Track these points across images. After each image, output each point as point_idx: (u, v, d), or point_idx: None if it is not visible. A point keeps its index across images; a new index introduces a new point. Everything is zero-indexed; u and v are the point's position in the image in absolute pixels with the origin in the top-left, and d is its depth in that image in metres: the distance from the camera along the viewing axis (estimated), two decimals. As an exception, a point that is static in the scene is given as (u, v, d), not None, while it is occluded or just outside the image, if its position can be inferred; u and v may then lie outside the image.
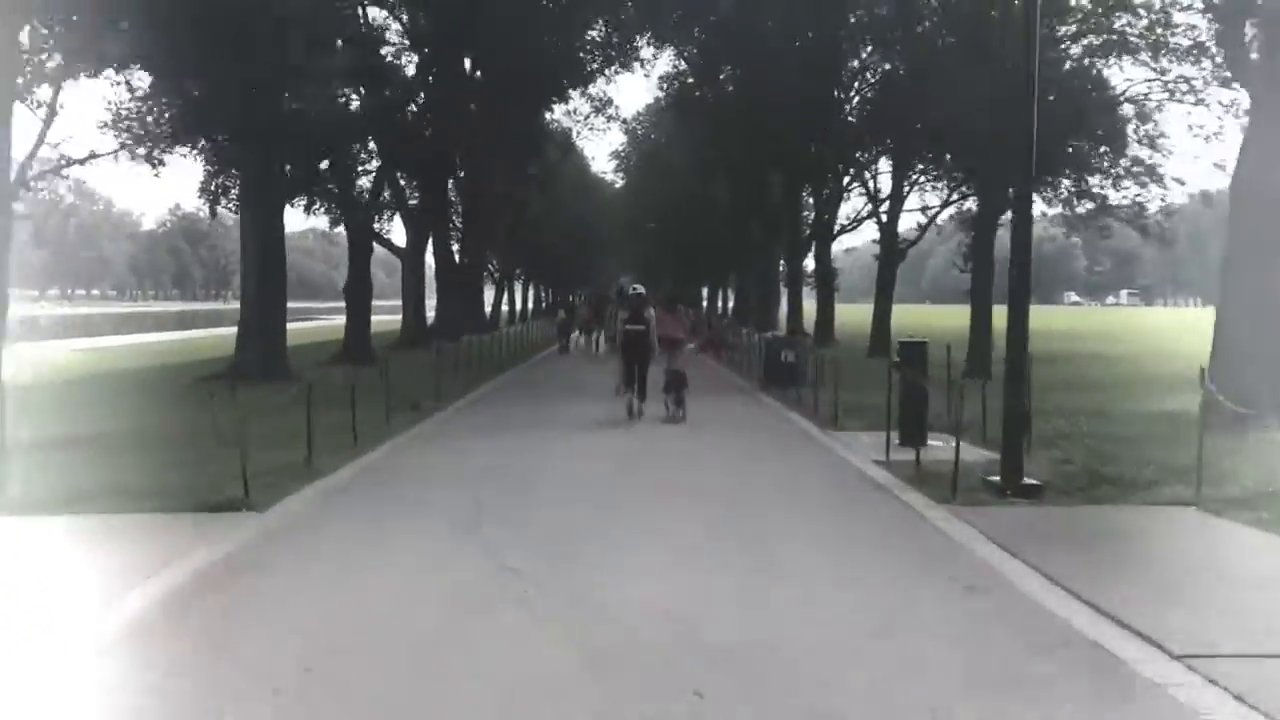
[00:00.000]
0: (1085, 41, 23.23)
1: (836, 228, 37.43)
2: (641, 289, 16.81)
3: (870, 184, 31.39)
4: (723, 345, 32.88)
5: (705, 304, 77.10)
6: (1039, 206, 27.97)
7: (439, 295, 41.38)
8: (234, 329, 23.82)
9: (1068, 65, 23.37)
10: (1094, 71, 23.43)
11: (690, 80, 52.70)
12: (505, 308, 66.79)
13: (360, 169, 31.13)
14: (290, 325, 23.92)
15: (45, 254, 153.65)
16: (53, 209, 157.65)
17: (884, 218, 29.64)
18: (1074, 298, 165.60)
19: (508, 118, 45.80)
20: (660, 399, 16.18)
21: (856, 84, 35.79)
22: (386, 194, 35.99)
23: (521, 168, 49.36)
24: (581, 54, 43.89)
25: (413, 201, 37.62)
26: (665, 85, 54.72)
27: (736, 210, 51.87)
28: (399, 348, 33.26)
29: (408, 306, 35.91)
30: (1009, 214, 23.76)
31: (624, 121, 59.12)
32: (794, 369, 19.59)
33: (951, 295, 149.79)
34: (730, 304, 63.39)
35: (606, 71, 45.02)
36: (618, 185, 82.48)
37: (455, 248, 43.76)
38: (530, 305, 75.80)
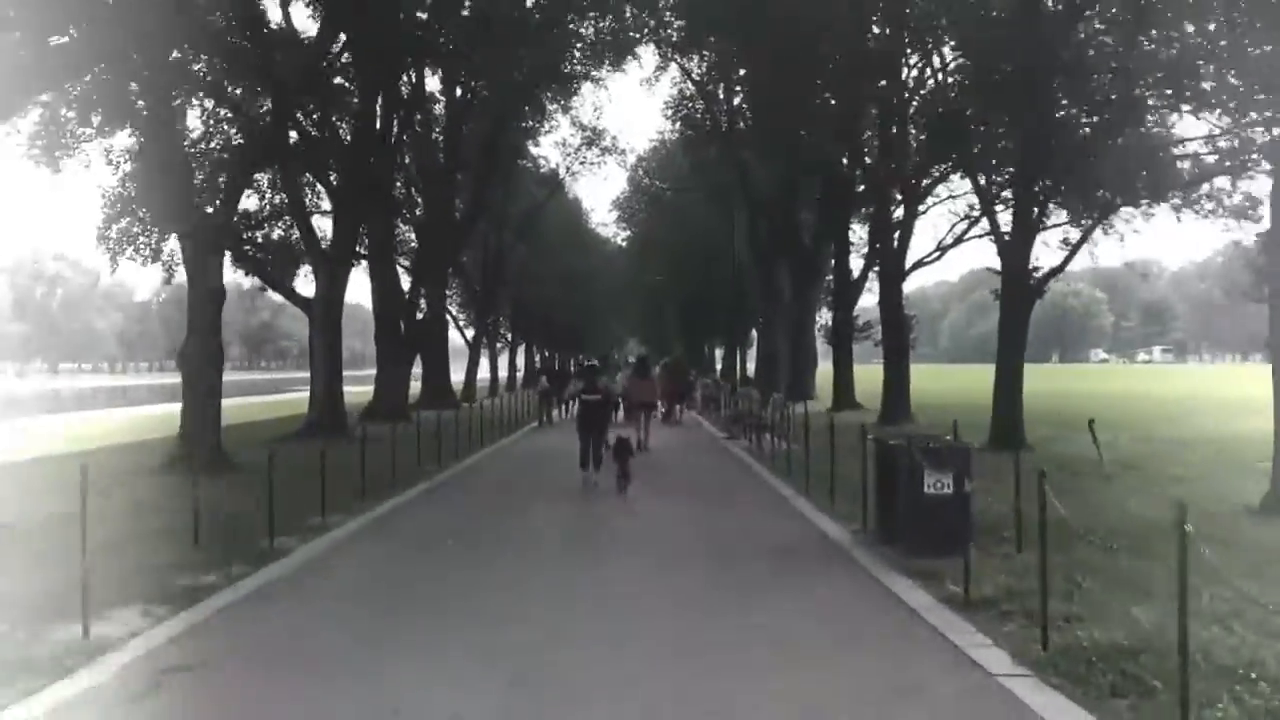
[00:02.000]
0: None
1: (909, 262, 26.34)
2: (595, 361, 16.46)
3: (990, 192, 20.03)
4: (761, 426, 21.96)
5: (719, 369, 66.43)
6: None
7: (379, 360, 30.75)
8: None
9: None
10: None
11: (700, 106, 42.84)
12: (488, 374, 56.09)
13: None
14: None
15: (26, 326, 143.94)
16: (36, 279, 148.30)
17: (1006, 238, 18.70)
18: (1101, 355, 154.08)
19: (473, 135, 35.70)
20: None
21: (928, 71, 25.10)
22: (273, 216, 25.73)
23: (493, 194, 39.15)
24: (566, 53, 33.88)
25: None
26: (671, 111, 44.85)
27: (759, 252, 41.44)
28: (300, 437, 22.61)
29: (316, 378, 25.12)
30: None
31: (622, 153, 48.61)
32: (955, 512, 8.61)
33: (974, 354, 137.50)
34: (750, 368, 52.66)
35: (595, 73, 34.91)
36: (620, 240, 72.44)
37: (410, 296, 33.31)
38: (521, 372, 65.04)
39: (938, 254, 25.98)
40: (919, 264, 26.26)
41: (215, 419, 18.36)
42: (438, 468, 17.72)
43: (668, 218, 55.40)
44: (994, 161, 19.51)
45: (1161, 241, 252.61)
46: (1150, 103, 16.71)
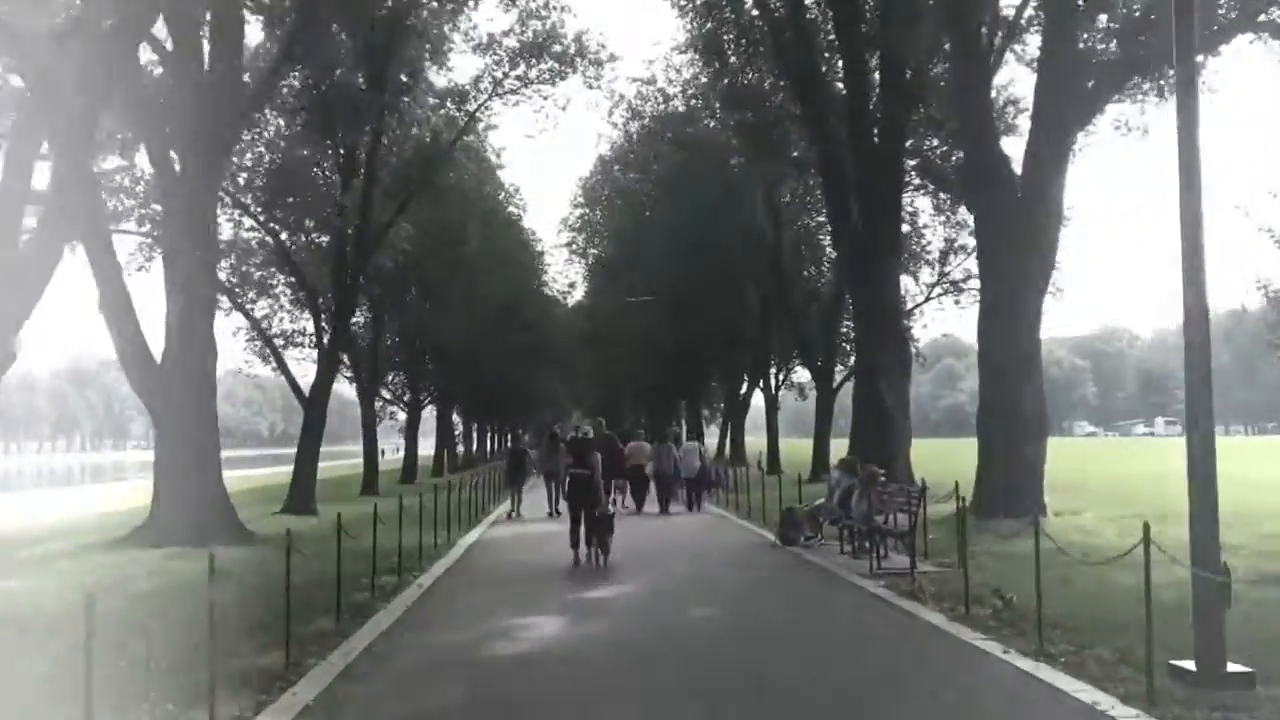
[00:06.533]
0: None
1: None
2: (589, 430, 14.84)
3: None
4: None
5: (705, 438, 45.70)
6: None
7: None
8: None
9: None
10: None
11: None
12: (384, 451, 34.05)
13: None
14: None
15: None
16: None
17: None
18: (1088, 428, 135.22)
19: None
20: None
21: None
22: None
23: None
24: None
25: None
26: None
27: (843, 228, 21.26)
28: None
29: None
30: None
31: (596, 63, 27.05)
32: None
33: (933, 427, 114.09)
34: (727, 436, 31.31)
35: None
36: (576, 266, 52.06)
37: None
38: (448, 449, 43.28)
39: None
40: None
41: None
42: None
43: (661, 203, 34.95)
44: None
45: (1132, 307, 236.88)
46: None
